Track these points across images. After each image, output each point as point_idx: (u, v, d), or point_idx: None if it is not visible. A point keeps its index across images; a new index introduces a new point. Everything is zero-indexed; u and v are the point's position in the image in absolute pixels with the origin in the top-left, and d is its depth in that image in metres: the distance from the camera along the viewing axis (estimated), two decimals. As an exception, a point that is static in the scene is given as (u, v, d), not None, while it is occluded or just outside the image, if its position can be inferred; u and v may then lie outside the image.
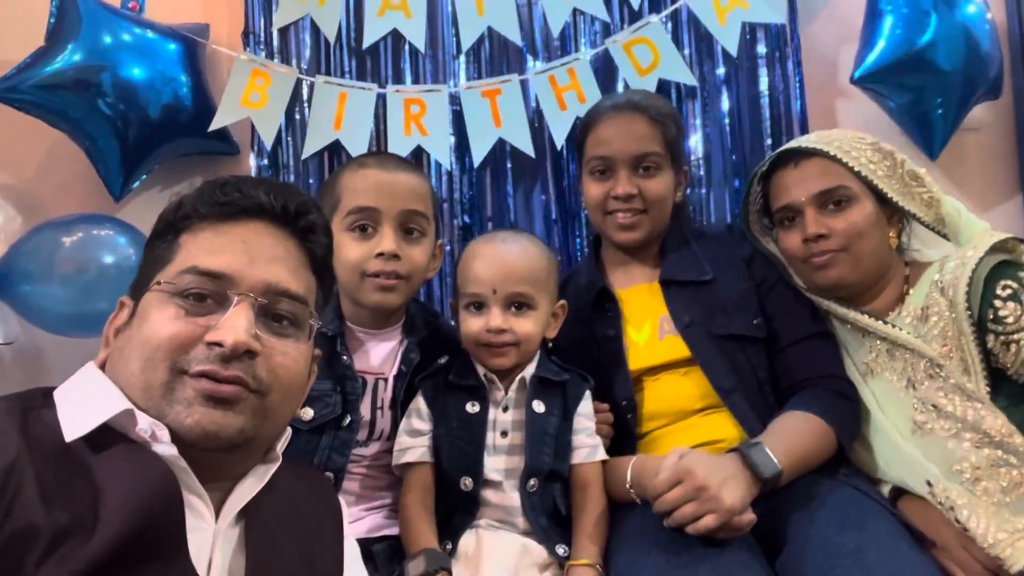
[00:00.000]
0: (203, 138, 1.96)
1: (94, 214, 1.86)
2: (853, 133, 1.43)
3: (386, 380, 1.41)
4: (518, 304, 1.33)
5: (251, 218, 0.90)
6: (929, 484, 1.24)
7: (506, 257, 1.34)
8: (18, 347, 1.89)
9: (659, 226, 1.54)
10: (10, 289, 1.78)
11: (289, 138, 1.98)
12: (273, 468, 0.91)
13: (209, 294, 0.85)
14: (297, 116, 1.97)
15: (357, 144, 1.92)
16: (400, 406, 1.40)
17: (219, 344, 0.82)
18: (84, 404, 0.83)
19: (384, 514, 1.40)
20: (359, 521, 1.37)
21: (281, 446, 0.93)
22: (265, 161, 1.97)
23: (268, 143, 1.93)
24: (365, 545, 1.29)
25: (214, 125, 1.91)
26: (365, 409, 1.38)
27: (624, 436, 1.43)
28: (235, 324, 0.83)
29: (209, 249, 0.87)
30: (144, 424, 0.80)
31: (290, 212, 0.92)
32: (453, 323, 1.48)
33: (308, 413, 1.31)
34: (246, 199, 0.90)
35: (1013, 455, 1.18)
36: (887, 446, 1.32)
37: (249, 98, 1.92)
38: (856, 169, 1.37)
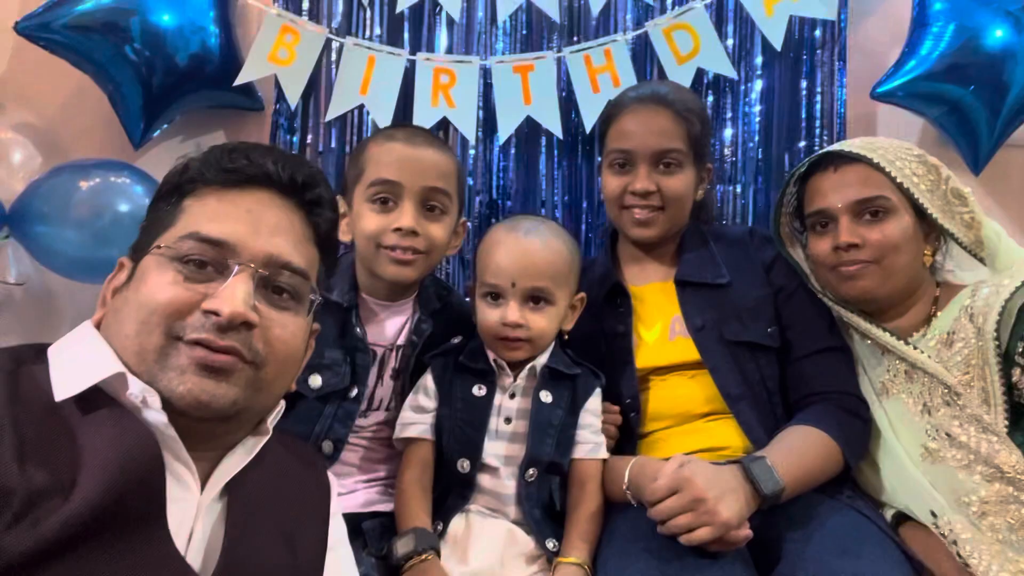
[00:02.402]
0: (228, 91, 1.92)
1: (112, 160, 1.84)
2: (900, 143, 1.37)
3: (393, 350, 1.40)
4: (536, 299, 1.30)
5: (257, 187, 0.89)
6: (934, 514, 1.20)
7: (528, 249, 1.30)
8: (29, 288, 1.89)
9: (676, 224, 1.51)
10: (25, 228, 1.77)
11: (313, 99, 1.94)
12: (263, 441, 0.89)
13: (209, 261, 0.84)
14: (324, 77, 1.93)
15: (382, 110, 1.88)
16: (408, 378, 1.39)
17: (216, 313, 0.80)
18: (77, 363, 0.81)
19: (378, 489, 1.39)
20: (353, 494, 1.37)
21: (272, 420, 0.91)
22: (287, 121, 1.94)
23: (292, 102, 1.90)
24: (356, 520, 1.28)
25: (239, 80, 1.88)
26: (370, 380, 1.38)
27: (625, 436, 1.41)
28: (233, 294, 0.81)
29: (212, 216, 0.86)
30: (135, 389, 0.78)
31: (297, 183, 0.90)
32: (468, 299, 1.46)
33: (316, 381, 1.31)
34: (253, 167, 0.88)
35: (1024, 493, 1.14)
36: (895, 470, 1.29)
37: (277, 55, 1.88)
38: (898, 180, 1.31)
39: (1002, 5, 1.81)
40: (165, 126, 1.94)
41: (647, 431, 1.42)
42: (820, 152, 1.42)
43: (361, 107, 1.90)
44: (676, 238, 1.53)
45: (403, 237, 1.31)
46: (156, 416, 0.78)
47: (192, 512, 0.81)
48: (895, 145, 1.36)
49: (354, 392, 1.34)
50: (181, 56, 1.86)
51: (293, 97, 1.89)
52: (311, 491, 0.97)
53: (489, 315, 1.30)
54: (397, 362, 1.41)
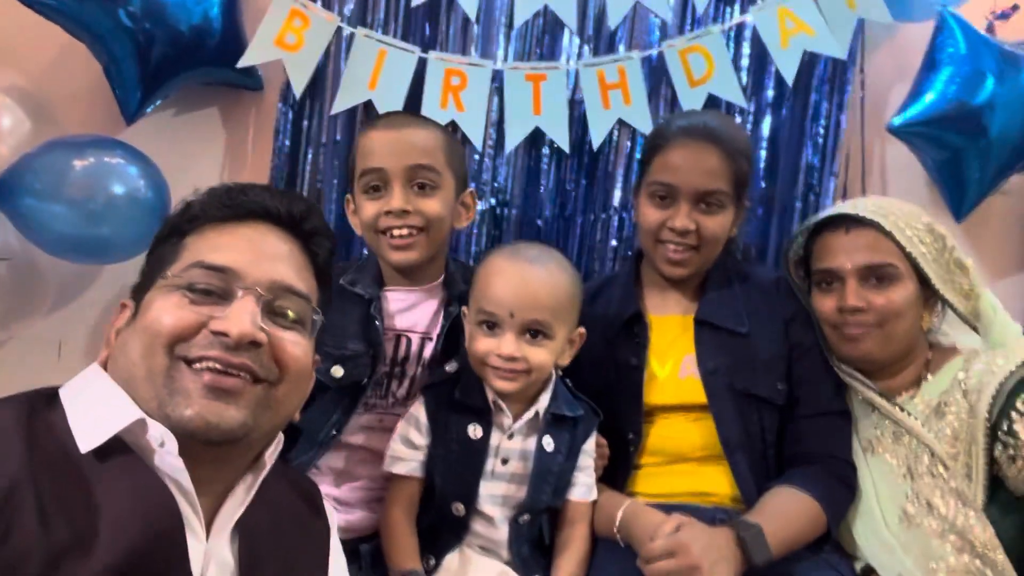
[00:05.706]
0: (226, 68, 1.85)
1: (107, 137, 1.77)
2: (910, 208, 1.41)
3: (431, 339, 1.42)
4: (534, 332, 1.25)
5: (256, 220, 0.93)
6: (899, 577, 1.27)
7: (530, 280, 1.24)
8: (14, 263, 1.81)
9: (708, 262, 1.49)
10: (12, 201, 1.70)
11: (320, 90, 1.88)
12: (261, 476, 0.89)
13: (215, 289, 0.86)
14: (331, 67, 1.87)
15: (390, 107, 1.82)
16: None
17: (224, 334, 0.82)
18: (94, 411, 0.82)
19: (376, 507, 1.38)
20: (348, 511, 1.36)
21: (271, 454, 0.91)
22: (290, 109, 1.88)
23: (298, 91, 1.83)
24: (353, 544, 1.29)
25: (243, 63, 1.80)
26: (410, 367, 1.41)
27: (620, 467, 1.44)
28: (240, 315, 0.83)
29: (215, 246, 0.89)
30: (155, 432, 0.79)
31: (295, 215, 0.95)
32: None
33: (339, 371, 1.33)
34: (252, 202, 0.93)
35: (990, 569, 1.21)
36: (869, 529, 1.34)
37: (284, 39, 1.81)
38: (907, 250, 1.35)
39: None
40: (158, 102, 1.86)
41: (641, 463, 1.45)
42: (833, 211, 1.45)
43: (369, 102, 1.85)
44: (703, 272, 1.52)
45: (396, 218, 1.34)
46: (172, 461, 0.79)
47: (201, 559, 0.82)
48: (906, 211, 1.40)
49: (365, 381, 1.36)
50: (183, 27, 1.78)
51: (299, 86, 1.82)
52: (310, 528, 0.99)
53: (482, 344, 1.25)
54: (435, 351, 1.42)
